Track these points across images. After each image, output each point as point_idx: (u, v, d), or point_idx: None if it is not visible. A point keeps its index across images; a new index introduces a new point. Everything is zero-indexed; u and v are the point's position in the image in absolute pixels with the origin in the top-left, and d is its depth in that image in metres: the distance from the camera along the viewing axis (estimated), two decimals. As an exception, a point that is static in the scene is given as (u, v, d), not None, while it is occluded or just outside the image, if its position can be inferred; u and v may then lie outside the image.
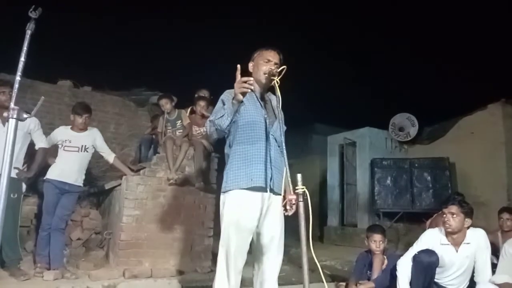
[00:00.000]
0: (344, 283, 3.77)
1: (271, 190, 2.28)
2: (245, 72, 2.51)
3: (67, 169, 3.90)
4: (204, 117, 4.78)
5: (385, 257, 3.52)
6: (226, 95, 2.41)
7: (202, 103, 4.81)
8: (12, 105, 1.49)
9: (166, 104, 4.88)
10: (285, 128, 2.33)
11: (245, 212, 2.24)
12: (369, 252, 3.60)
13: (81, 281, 3.63)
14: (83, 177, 4.05)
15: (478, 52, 9.64)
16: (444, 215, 2.95)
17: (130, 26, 9.87)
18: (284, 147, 2.14)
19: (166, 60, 10.52)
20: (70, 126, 4.04)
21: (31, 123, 3.70)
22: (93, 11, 9.34)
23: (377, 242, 3.49)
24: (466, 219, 2.90)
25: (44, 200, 3.91)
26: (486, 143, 7.06)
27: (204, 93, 5.20)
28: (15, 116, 1.49)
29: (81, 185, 4.04)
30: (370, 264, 3.55)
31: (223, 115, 2.19)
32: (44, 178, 3.92)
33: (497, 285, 2.82)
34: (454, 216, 2.89)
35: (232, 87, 2.47)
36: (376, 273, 3.44)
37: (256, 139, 2.31)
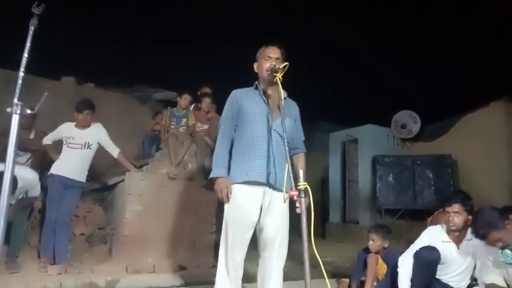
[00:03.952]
0: (346, 279, 3.77)
1: (273, 186, 2.29)
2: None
3: (70, 165, 3.94)
4: (208, 113, 4.83)
5: (379, 256, 3.51)
6: (233, 98, 2.44)
7: (208, 100, 4.86)
8: (15, 100, 1.49)
9: (189, 101, 4.95)
10: (293, 122, 2.43)
11: (243, 206, 2.26)
12: (366, 250, 3.63)
13: (84, 276, 3.66)
14: (86, 173, 4.08)
15: (481, 49, 9.57)
16: (448, 214, 2.94)
17: (134, 23, 9.86)
18: (286, 142, 2.13)
19: (169, 57, 10.50)
20: (75, 123, 4.06)
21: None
22: (97, 7, 9.33)
23: (370, 240, 3.54)
24: (469, 216, 2.90)
25: (48, 193, 3.94)
26: (489, 141, 7.04)
27: (206, 90, 5.22)
28: (18, 111, 1.48)
29: (84, 180, 4.07)
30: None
31: (216, 165, 2.34)
32: (49, 173, 3.96)
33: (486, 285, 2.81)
34: (458, 214, 2.89)
35: (237, 87, 2.49)
36: (369, 273, 3.43)
37: (258, 135, 2.32)
